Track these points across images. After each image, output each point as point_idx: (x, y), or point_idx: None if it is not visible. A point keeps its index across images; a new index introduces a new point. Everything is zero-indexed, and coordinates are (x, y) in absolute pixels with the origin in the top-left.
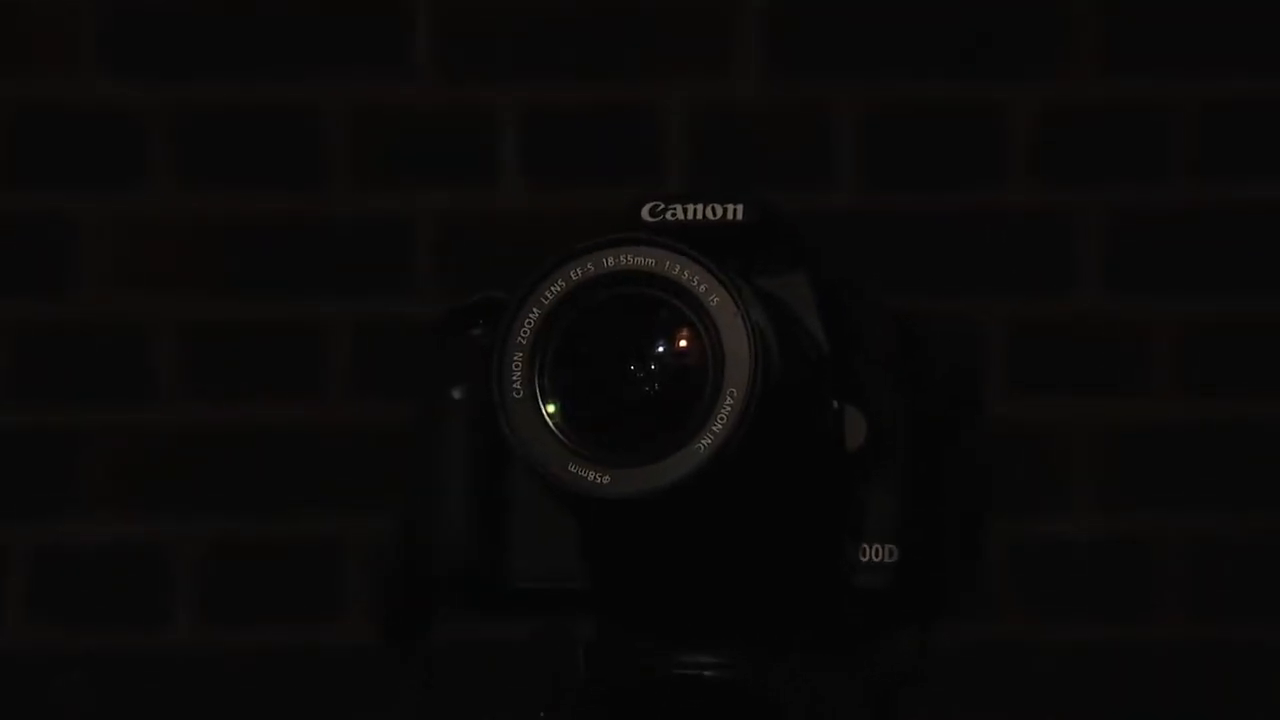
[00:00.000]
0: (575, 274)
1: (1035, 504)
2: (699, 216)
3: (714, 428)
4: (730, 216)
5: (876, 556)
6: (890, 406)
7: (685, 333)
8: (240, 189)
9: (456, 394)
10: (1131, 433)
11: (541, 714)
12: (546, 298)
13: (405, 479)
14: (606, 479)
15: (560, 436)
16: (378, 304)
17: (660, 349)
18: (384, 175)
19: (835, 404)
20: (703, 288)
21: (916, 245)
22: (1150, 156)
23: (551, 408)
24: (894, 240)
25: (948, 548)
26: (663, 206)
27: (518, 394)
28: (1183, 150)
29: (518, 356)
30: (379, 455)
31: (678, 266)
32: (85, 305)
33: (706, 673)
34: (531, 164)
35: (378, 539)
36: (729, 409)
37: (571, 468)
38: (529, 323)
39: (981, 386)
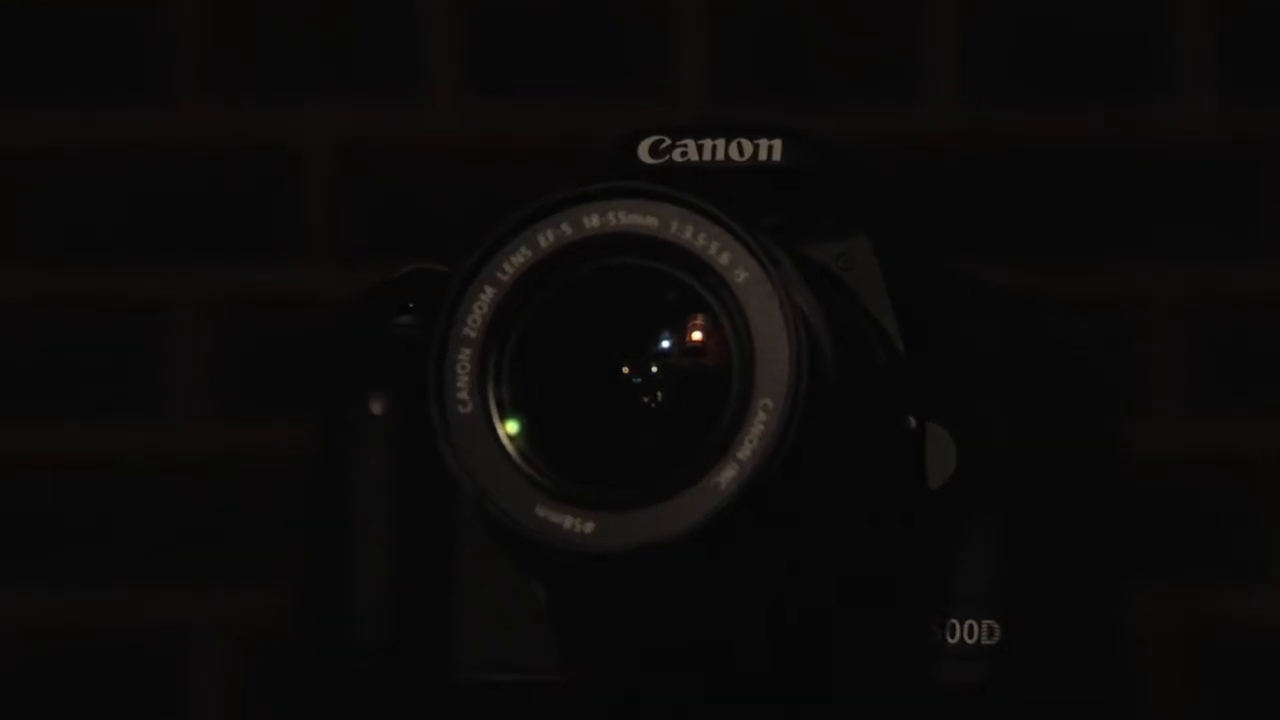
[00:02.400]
0: (544, 239)
1: (1219, 570)
2: (721, 156)
3: (740, 455)
4: (765, 156)
5: (970, 638)
6: (992, 425)
7: (700, 321)
8: (42, 103)
9: (375, 409)
10: None
11: None
12: (505, 273)
13: (304, 531)
14: (589, 527)
15: (524, 467)
16: (249, 275)
17: (665, 344)
18: (257, 85)
19: (913, 422)
20: (725, 258)
21: (1040, 190)
22: None
23: (512, 427)
24: (1006, 183)
25: (1073, 626)
26: (669, 142)
27: (464, 408)
28: None
29: (464, 355)
30: (253, 500)
31: (690, 228)
32: None
33: None
34: (474, 72)
35: (244, 622)
36: (761, 429)
37: (539, 511)
38: (480, 308)
39: (1129, 398)
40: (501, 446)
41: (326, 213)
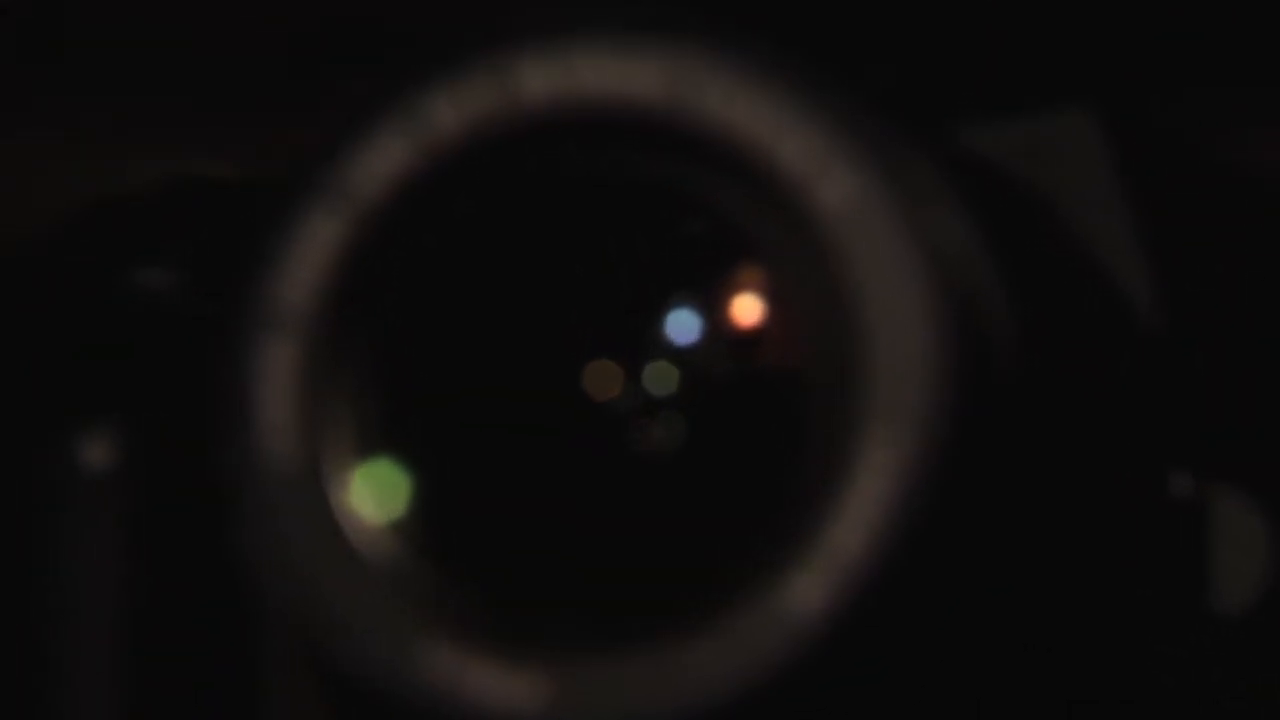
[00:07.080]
0: (439, 117)
1: None
2: None
3: (836, 547)
4: None
5: None
6: None
7: (751, 278)
8: None
9: (93, 459)
10: None
11: None
12: (361, 185)
13: None
14: (532, 691)
15: (402, 574)
16: None
17: (683, 335)
18: None
19: (1186, 483)
20: (800, 155)
21: None
22: None
23: (377, 494)
24: None
25: None
26: None
27: (280, 458)
28: None
29: (281, 351)
30: None
31: (727, 95)
32: None
33: None
34: None
35: None
36: (877, 494)
37: (432, 662)
38: (312, 257)
39: None
40: (348, 533)
41: None
